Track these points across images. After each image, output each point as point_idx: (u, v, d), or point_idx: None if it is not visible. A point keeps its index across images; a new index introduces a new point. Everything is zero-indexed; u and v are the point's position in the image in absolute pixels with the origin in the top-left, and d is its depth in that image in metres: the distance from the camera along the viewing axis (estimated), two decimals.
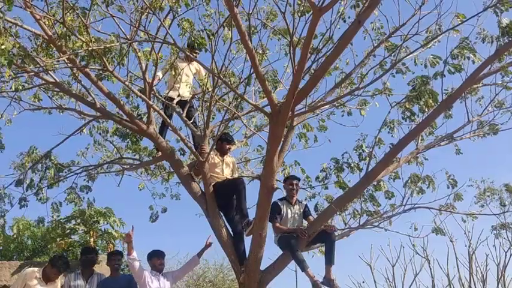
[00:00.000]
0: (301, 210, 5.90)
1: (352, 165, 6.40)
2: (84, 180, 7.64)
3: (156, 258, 5.77)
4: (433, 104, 5.53)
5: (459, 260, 7.45)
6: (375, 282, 8.29)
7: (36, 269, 5.36)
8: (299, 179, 6.05)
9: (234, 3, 4.20)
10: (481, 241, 7.37)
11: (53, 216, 7.12)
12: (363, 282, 8.45)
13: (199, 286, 15.07)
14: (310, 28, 3.99)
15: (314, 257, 6.28)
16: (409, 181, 6.50)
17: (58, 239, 12.85)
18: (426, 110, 5.67)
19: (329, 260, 5.25)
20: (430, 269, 7.64)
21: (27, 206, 6.79)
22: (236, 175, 6.21)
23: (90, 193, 7.68)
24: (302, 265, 5.11)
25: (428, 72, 5.40)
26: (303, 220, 5.93)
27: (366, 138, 6.24)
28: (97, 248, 13.56)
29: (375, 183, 6.37)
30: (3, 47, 3.73)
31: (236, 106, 6.17)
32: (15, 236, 15.50)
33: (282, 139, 5.04)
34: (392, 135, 6.56)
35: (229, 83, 5.42)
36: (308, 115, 6.43)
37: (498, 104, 6.12)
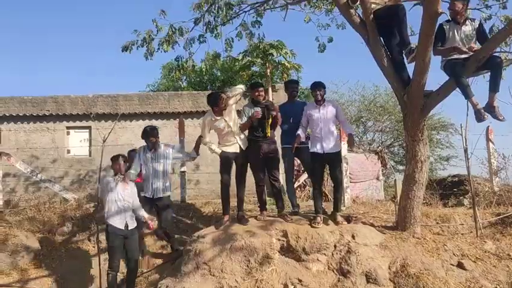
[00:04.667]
0: (474, 31, 5.38)
1: None
2: (253, 17, 8.22)
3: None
4: None
5: None
6: None
7: (208, 115, 6.23)
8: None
9: None
10: None
11: (226, 51, 8.03)
12: None
13: (370, 111, 15.62)
14: None
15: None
16: None
17: (240, 71, 14.40)
18: None
19: (493, 86, 4.94)
20: None
21: (206, 42, 7.81)
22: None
23: (261, 28, 8.34)
24: (466, 92, 4.94)
25: None
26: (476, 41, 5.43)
27: None
28: (274, 77, 14.87)
29: None
30: None
31: None
32: (207, 69, 17.45)
33: None
34: None
35: None
36: None
37: None
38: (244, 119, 6.21)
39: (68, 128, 11.97)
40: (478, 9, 6.43)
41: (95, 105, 12.02)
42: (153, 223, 5.91)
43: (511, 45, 5.87)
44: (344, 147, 8.27)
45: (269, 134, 6.15)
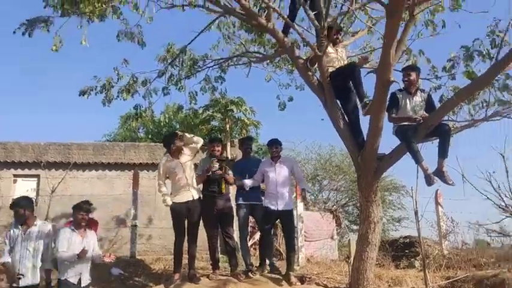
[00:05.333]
0: (424, 101, 5.72)
1: (484, 53, 5.88)
2: (217, 72, 8.38)
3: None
4: None
5: None
6: (507, 172, 7.90)
7: (164, 158, 6.26)
8: (415, 69, 5.76)
9: None
10: None
11: (190, 103, 8.09)
12: (494, 172, 8.13)
13: (326, 170, 15.94)
14: None
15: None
16: None
17: (200, 125, 14.47)
18: None
19: (442, 152, 5.18)
20: None
21: (169, 94, 7.85)
22: None
23: (223, 84, 8.48)
24: (416, 157, 5.16)
25: None
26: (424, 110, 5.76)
27: (498, 23, 5.62)
28: (233, 132, 15.03)
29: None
30: None
31: None
32: (166, 121, 17.41)
33: (399, 31, 4.83)
34: None
35: None
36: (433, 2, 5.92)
37: None
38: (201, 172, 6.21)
39: (15, 176, 11.42)
40: (428, 79, 6.85)
41: (46, 153, 11.61)
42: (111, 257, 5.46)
43: (459, 114, 6.21)
44: (300, 205, 8.32)
45: (224, 190, 6.14)
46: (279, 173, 6.18)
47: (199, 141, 6.22)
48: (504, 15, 5.59)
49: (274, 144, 6.31)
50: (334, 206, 14.02)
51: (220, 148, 6.36)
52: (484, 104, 5.92)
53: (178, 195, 6.03)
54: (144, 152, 12.04)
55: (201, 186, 6.25)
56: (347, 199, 15.99)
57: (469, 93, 5.30)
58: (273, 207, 6.10)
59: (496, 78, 5.68)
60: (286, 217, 6.24)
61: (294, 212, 7.34)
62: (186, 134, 6.25)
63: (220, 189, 6.11)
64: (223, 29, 8.17)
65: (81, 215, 5.33)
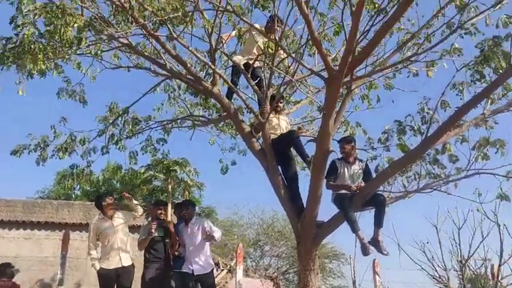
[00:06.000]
0: (361, 169, 5.89)
1: (415, 128, 6.26)
2: (160, 133, 8.29)
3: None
4: (505, 65, 5.23)
5: None
6: (440, 243, 8.21)
7: (96, 217, 6.06)
8: (351, 141, 5.94)
9: None
10: None
11: (130, 163, 7.88)
12: (427, 242, 8.42)
13: (268, 235, 15.82)
14: None
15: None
16: (478, 144, 6.29)
17: (141, 185, 14.12)
18: (499, 71, 5.37)
19: (378, 222, 5.30)
20: (500, 233, 7.43)
21: (108, 153, 7.61)
22: None
23: (165, 146, 8.36)
24: (353, 226, 5.22)
25: (499, 33, 5.08)
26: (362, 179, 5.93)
27: (428, 102, 6.06)
28: (175, 193, 14.76)
29: (440, 146, 6.24)
30: (76, 25, 4.19)
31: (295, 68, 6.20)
32: (104, 180, 16.85)
33: (338, 103, 5.09)
34: (461, 98, 6.36)
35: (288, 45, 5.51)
36: (370, 78, 6.30)
37: None
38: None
39: None
40: (365, 149, 7.13)
41: None
42: None
43: (393, 185, 6.44)
44: (239, 272, 8.09)
45: (170, 256, 5.98)
46: (191, 235, 6.07)
47: (140, 211, 6.10)
48: (433, 94, 6.04)
49: (185, 206, 6.28)
50: (275, 273, 13.78)
51: (165, 211, 6.31)
52: (416, 176, 6.23)
53: (107, 260, 5.73)
54: (78, 211, 11.45)
55: (133, 251, 5.99)
56: (288, 266, 15.81)
57: (402, 165, 5.54)
58: (189, 271, 5.93)
59: (427, 152, 6.05)
60: (205, 281, 6.06)
61: (233, 279, 7.12)
62: (134, 200, 6.12)
63: (166, 254, 5.97)
64: (169, 91, 8.23)
65: (3, 281, 4.93)
